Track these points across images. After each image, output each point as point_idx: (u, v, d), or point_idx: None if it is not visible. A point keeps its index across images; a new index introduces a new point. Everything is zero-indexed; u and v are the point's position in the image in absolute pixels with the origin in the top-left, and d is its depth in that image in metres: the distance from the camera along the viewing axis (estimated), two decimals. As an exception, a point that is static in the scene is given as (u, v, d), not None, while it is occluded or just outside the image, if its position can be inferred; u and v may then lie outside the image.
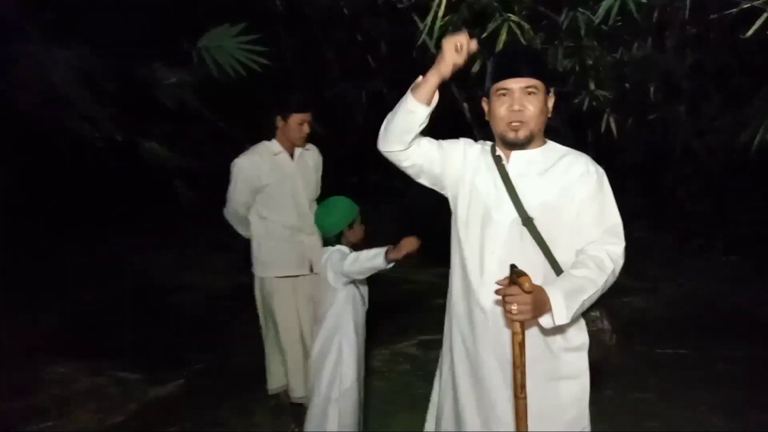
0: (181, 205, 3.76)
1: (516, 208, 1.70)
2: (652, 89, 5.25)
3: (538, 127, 1.72)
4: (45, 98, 3.14)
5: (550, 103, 1.74)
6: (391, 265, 2.25)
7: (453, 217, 1.85)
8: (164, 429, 3.01)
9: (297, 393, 2.97)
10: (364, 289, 2.53)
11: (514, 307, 1.47)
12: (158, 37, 3.62)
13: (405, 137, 1.72)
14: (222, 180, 2.96)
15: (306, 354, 2.91)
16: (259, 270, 3.01)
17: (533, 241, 1.70)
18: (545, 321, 1.55)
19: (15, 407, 3.21)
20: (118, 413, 3.19)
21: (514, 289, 1.48)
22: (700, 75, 5.53)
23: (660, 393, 3.23)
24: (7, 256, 5.42)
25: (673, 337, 3.96)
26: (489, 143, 1.85)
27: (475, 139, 1.89)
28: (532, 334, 1.64)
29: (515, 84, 1.67)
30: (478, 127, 4.89)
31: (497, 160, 1.77)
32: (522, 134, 1.69)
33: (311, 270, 2.97)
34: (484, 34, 2.94)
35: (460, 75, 1.79)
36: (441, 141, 1.83)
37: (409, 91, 1.69)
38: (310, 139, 3.01)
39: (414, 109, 1.67)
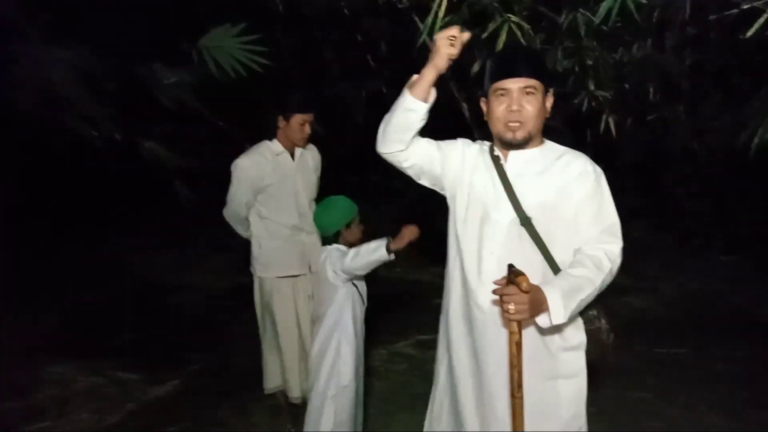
0: (181, 205, 3.76)
1: (514, 207, 1.70)
2: (651, 89, 5.25)
3: (537, 127, 1.72)
4: (45, 98, 3.14)
5: (549, 103, 1.74)
6: (393, 256, 2.25)
7: (451, 216, 1.85)
8: (163, 429, 3.02)
9: (293, 393, 2.98)
10: (363, 288, 2.54)
11: (512, 307, 1.47)
12: (158, 37, 3.62)
13: (404, 136, 1.72)
14: (222, 180, 2.96)
15: (303, 354, 2.92)
16: (259, 270, 3.01)
17: (531, 240, 1.70)
18: (543, 320, 1.55)
19: (14, 407, 3.22)
20: (117, 413, 3.19)
21: (512, 289, 1.48)
22: (700, 75, 5.53)
23: (659, 392, 3.23)
24: (7, 256, 5.41)
25: (672, 336, 3.96)
26: (487, 143, 1.85)
27: (474, 139, 1.89)
28: (529, 334, 1.64)
29: (513, 84, 1.67)
30: (477, 127, 4.88)
31: (495, 160, 1.77)
32: (520, 134, 1.69)
33: (311, 270, 2.97)
34: (484, 35, 2.94)
35: (460, 75, 1.80)
36: (439, 141, 1.83)
37: (405, 89, 1.69)
38: (310, 139, 3.01)
39: (412, 107, 1.67)
